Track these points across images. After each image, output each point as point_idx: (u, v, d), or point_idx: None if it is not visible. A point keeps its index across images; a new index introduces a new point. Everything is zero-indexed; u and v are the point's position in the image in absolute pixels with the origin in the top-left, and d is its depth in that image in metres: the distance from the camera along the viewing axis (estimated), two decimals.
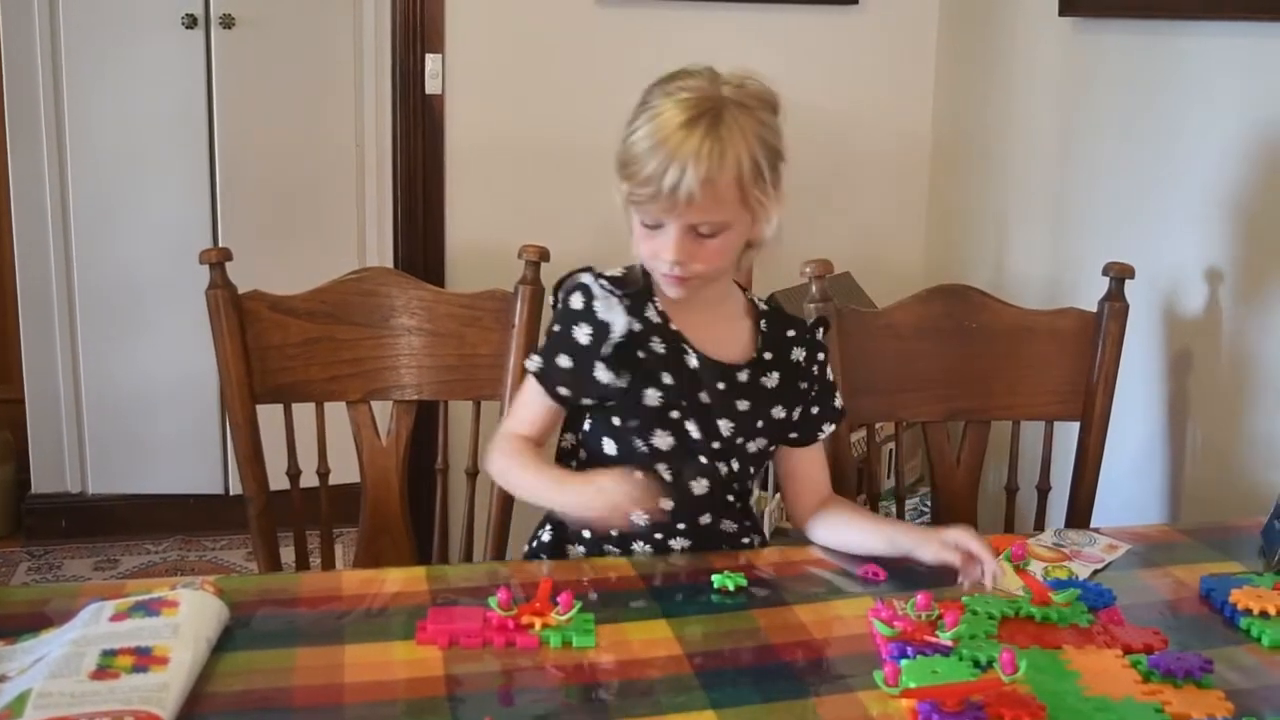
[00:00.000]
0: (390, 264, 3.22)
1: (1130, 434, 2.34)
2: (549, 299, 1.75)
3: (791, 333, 1.72)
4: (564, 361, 1.64)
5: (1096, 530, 1.76)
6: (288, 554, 2.01)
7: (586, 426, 1.69)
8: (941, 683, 1.25)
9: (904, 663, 1.30)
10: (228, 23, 3.23)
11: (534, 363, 1.67)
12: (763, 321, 1.71)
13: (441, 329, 2.00)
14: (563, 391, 1.66)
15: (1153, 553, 1.69)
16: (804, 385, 1.72)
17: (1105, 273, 2.09)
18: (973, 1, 3.08)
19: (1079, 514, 2.09)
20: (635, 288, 1.65)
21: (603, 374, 1.63)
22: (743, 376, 1.67)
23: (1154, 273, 2.28)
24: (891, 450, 2.70)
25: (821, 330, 1.75)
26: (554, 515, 1.73)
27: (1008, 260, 2.91)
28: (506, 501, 2.01)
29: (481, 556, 2.04)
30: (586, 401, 1.67)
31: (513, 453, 1.67)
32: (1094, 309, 2.08)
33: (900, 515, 2.15)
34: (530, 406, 1.69)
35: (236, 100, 3.31)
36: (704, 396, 1.64)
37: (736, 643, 1.39)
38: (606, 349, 1.61)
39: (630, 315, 1.63)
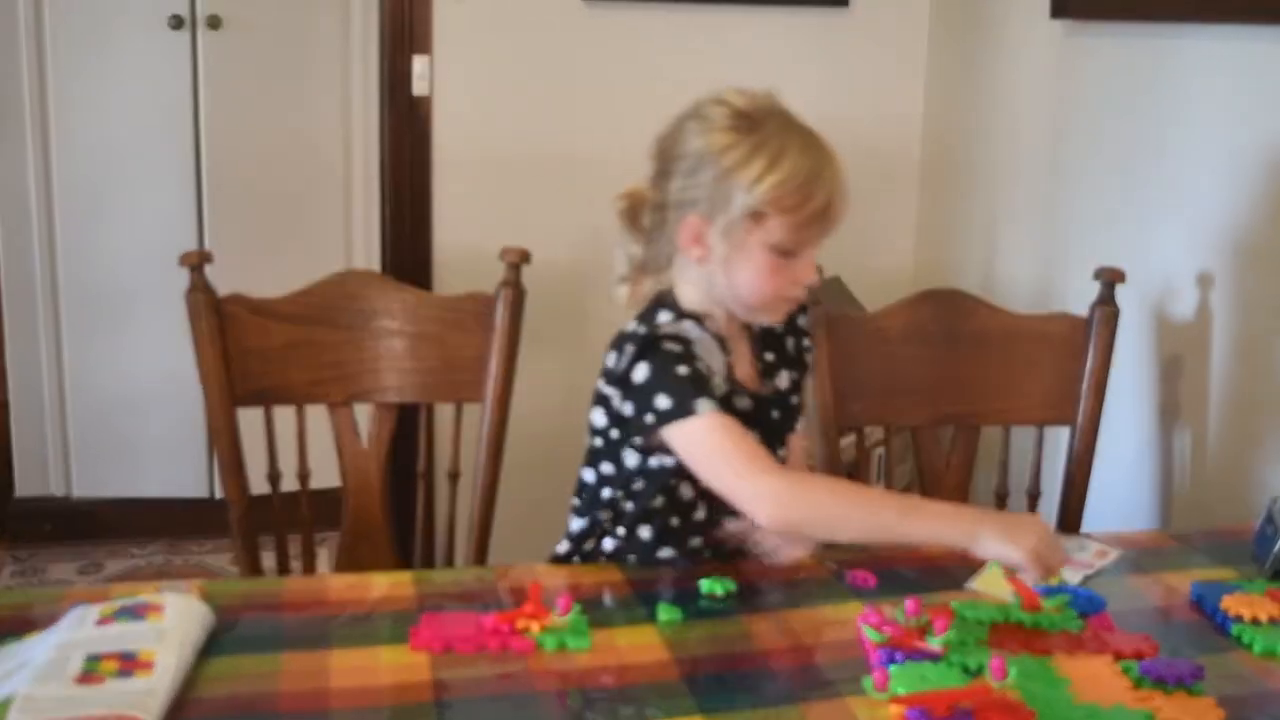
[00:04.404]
0: (377, 266, 3.21)
1: (1121, 439, 2.33)
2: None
3: (778, 329, 1.69)
4: (715, 391, 1.51)
5: (1087, 536, 1.75)
6: (269, 558, 2.00)
7: (631, 463, 1.59)
8: (931, 689, 1.25)
9: (893, 668, 1.29)
10: (214, 23, 3.21)
11: (706, 405, 1.46)
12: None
13: (423, 332, 1.99)
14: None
15: (1144, 558, 1.68)
16: (799, 370, 1.71)
17: (1096, 277, 2.09)
18: (964, 3, 3.08)
19: (1070, 519, 2.09)
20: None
21: None
22: (784, 384, 1.67)
23: (1144, 277, 2.27)
24: (881, 455, 2.69)
25: (802, 316, 1.73)
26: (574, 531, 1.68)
27: (998, 264, 2.91)
28: (488, 505, 2.00)
29: (463, 560, 2.03)
30: (638, 441, 1.57)
31: (836, 486, 1.56)
32: (1084, 313, 2.08)
33: None
34: (745, 438, 1.48)
35: (223, 101, 3.29)
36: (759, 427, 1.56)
37: (725, 648, 1.39)
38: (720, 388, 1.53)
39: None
